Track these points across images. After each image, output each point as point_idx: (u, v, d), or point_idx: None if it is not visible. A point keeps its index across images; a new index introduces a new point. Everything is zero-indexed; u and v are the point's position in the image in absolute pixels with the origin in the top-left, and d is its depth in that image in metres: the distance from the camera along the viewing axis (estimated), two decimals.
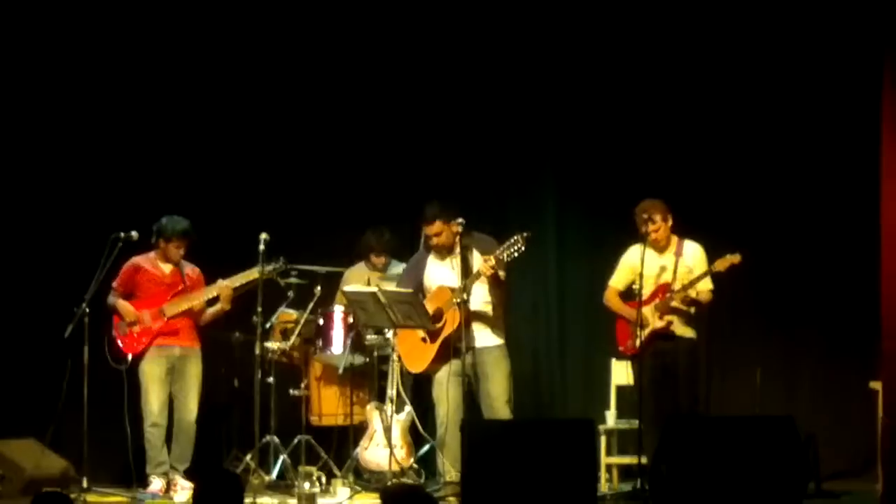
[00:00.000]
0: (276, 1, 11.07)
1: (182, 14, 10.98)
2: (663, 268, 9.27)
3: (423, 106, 11.09)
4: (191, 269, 9.84)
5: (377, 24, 11.04)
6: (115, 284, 9.75)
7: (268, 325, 10.03)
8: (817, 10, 10.38)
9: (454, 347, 8.85)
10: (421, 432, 9.64)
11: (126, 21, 10.97)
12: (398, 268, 10.26)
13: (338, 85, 11.10)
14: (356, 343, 9.95)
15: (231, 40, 11.05)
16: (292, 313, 10.22)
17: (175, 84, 11.01)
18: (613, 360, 10.10)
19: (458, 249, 9.03)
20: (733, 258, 9.08)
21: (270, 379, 10.01)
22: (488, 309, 9.07)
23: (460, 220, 9.03)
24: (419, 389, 9.78)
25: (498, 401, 8.98)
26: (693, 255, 9.32)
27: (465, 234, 9.04)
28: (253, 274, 9.55)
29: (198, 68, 11.02)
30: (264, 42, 11.08)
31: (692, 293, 9.17)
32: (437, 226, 9.09)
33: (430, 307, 9.02)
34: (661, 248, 9.31)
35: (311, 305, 10.08)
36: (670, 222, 9.31)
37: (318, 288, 10.10)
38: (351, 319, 9.90)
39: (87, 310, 9.34)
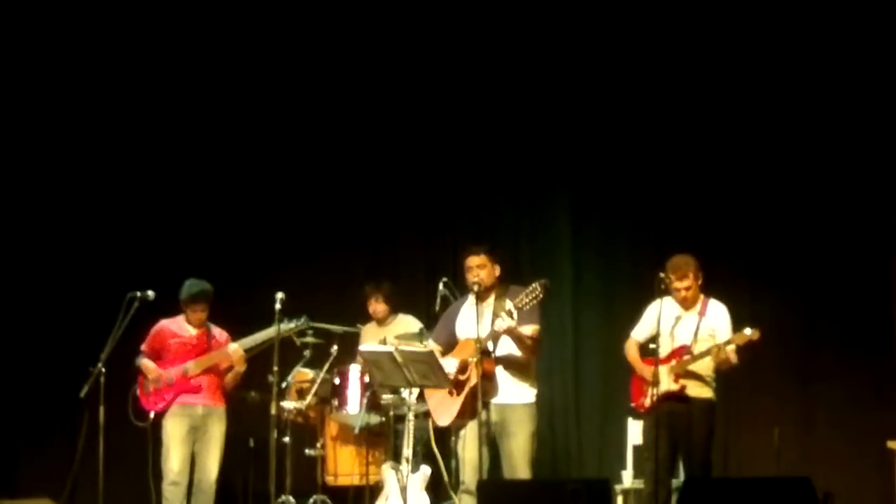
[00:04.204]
0: (288, 52, 11.21)
1: (199, 70, 11.11)
2: (685, 328, 9.12)
3: (434, 161, 11.20)
4: (219, 333, 9.85)
5: (386, 55, 11.19)
6: (143, 347, 9.79)
7: (284, 385, 10.02)
8: (834, 46, 10.45)
9: (481, 403, 8.74)
10: (445, 484, 9.38)
11: (144, 76, 11.11)
12: (406, 321, 10.30)
13: (348, 135, 11.26)
14: (372, 402, 9.94)
15: (246, 93, 11.20)
16: (308, 372, 10.23)
17: (194, 146, 11.12)
18: (629, 420, 10.06)
19: (492, 299, 8.95)
20: (752, 335, 8.85)
21: (286, 438, 10.02)
22: (516, 360, 8.87)
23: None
24: (442, 440, 9.73)
25: (518, 460, 8.87)
26: (717, 316, 9.11)
27: (503, 287, 8.99)
28: (268, 333, 9.56)
29: (218, 129, 11.14)
30: (279, 95, 11.22)
31: (721, 354, 8.92)
32: (483, 259, 8.90)
33: (457, 359, 8.96)
34: (688, 306, 9.13)
35: (326, 365, 10.09)
36: (700, 281, 9.13)
37: (335, 347, 10.12)
38: (367, 379, 9.89)
39: (103, 369, 9.33)
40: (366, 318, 10.51)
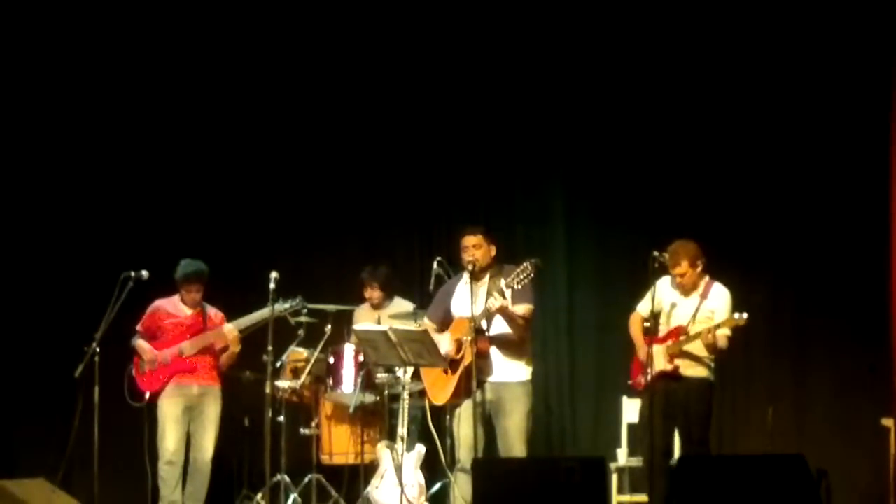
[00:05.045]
0: (284, 40, 11.18)
1: (196, 58, 11.12)
2: (685, 310, 9.14)
3: (430, 145, 11.20)
4: (214, 313, 9.85)
5: (382, 43, 11.15)
6: (138, 327, 9.79)
7: (278, 364, 10.04)
8: (825, 37, 10.41)
9: (476, 382, 8.75)
10: (442, 462, 9.42)
11: (140, 61, 11.10)
12: (401, 304, 10.30)
13: (344, 116, 11.23)
14: (367, 381, 9.94)
15: (242, 78, 11.19)
16: (303, 352, 10.23)
17: (189, 126, 11.11)
18: (624, 398, 10.09)
19: (487, 278, 8.96)
20: (739, 320, 8.90)
21: (281, 417, 10.04)
22: (510, 339, 8.90)
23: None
24: (437, 419, 9.75)
25: (514, 438, 8.90)
26: (718, 299, 9.13)
27: (497, 266, 9.01)
28: (263, 314, 9.55)
29: (213, 109, 11.13)
30: (275, 80, 11.20)
31: (710, 338, 8.98)
32: (479, 238, 8.95)
33: (452, 338, 8.97)
34: (687, 291, 9.17)
35: (321, 344, 10.09)
36: (700, 268, 9.12)
37: (329, 326, 10.12)
38: (361, 358, 9.90)
39: (98, 349, 9.32)
40: (360, 299, 10.51)
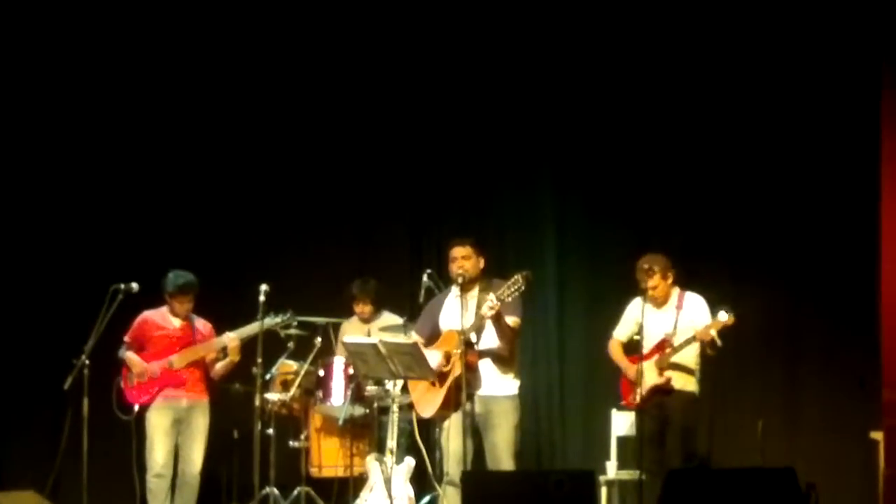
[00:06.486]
0: (275, 47, 11.20)
1: (186, 70, 11.13)
2: (664, 324, 9.24)
3: (419, 156, 11.22)
4: (202, 325, 9.82)
5: (372, 50, 11.17)
6: (126, 338, 9.74)
7: (268, 377, 10.03)
8: (814, 32, 10.41)
9: (464, 394, 8.75)
10: (429, 475, 9.46)
11: (130, 68, 11.12)
12: (390, 318, 10.28)
13: (330, 123, 11.25)
14: (356, 394, 9.94)
15: (232, 87, 11.21)
16: (292, 364, 10.23)
17: (178, 138, 11.11)
18: (614, 411, 10.09)
19: (476, 291, 8.98)
20: (728, 320, 9.03)
21: (270, 430, 10.02)
22: (499, 352, 8.89)
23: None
24: (426, 432, 9.74)
25: (502, 452, 8.89)
26: (695, 308, 9.28)
27: (486, 279, 9.01)
28: (255, 327, 9.53)
29: (203, 120, 11.14)
30: (266, 89, 11.22)
31: (708, 334, 9.05)
32: (468, 250, 8.94)
33: (440, 351, 8.96)
34: (660, 304, 9.29)
35: (311, 357, 10.09)
36: (670, 279, 9.28)
37: (319, 339, 10.13)
38: (351, 371, 9.90)
39: (87, 361, 9.31)
40: (349, 312, 10.51)
